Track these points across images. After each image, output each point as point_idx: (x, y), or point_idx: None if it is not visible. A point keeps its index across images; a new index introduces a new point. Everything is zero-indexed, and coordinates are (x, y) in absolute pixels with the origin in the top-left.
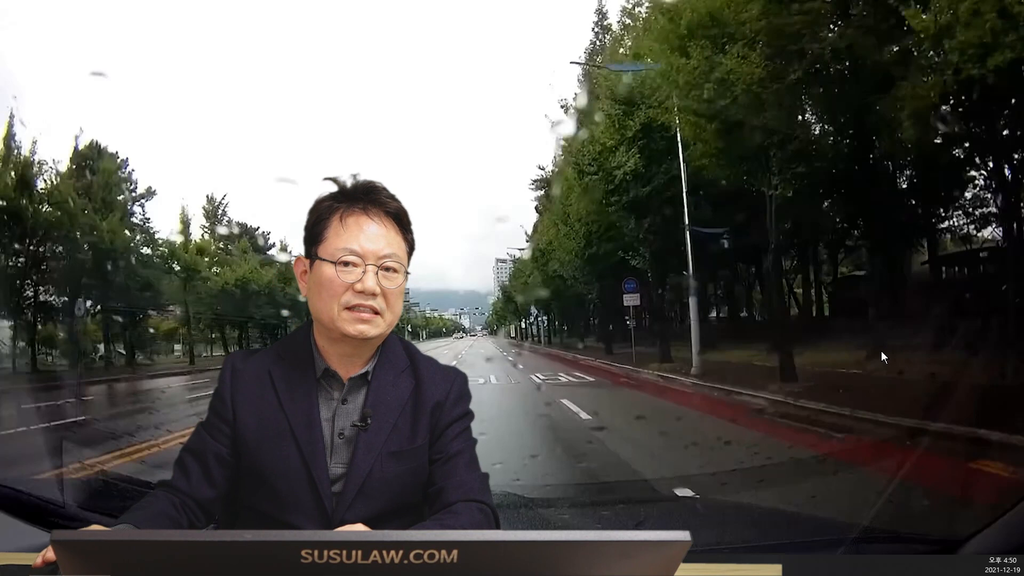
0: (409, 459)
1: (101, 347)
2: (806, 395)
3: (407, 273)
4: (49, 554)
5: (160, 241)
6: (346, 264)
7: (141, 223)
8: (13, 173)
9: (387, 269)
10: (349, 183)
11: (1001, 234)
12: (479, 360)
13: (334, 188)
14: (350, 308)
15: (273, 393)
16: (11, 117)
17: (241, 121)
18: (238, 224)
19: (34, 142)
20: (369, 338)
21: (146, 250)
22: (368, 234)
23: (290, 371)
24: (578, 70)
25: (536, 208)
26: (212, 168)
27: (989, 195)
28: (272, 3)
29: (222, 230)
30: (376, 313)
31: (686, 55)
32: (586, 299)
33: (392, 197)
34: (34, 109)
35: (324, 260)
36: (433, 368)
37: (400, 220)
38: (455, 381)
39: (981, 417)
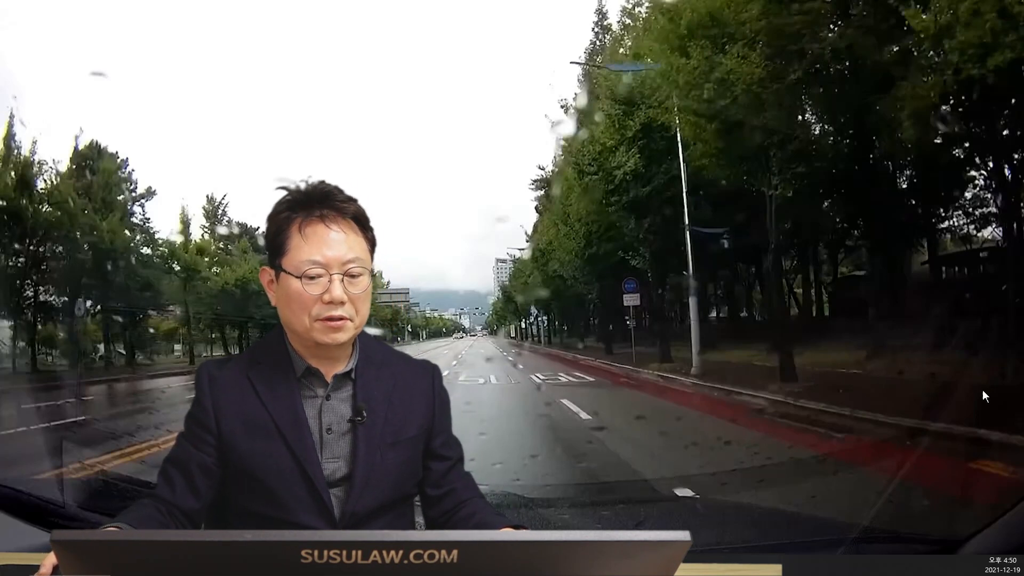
0: (405, 449)
1: (101, 347)
2: (806, 395)
3: (371, 273)
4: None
5: (160, 241)
6: (311, 277)
7: (141, 223)
8: (13, 173)
9: (352, 275)
10: (302, 187)
11: (1001, 234)
12: (479, 360)
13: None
14: (321, 319)
15: (255, 395)
16: (11, 117)
17: (241, 121)
18: (238, 224)
19: (34, 142)
20: (342, 343)
21: (146, 250)
22: (329, 242)
23: (269, 373)
24: (578, 70)
25: (536, 208)
26: (212, 168)
27: (989, 195)
28: (272, 3)
29: (222, 230)
30: (346, 319)
31: (686, 55)
32: (586, 299)
33: (349, 199)
34: (34, 109)
35: (289, 274)
36: (409, 362)
37: (359, 220)
38: (432, 373)
39: (981, 417)
